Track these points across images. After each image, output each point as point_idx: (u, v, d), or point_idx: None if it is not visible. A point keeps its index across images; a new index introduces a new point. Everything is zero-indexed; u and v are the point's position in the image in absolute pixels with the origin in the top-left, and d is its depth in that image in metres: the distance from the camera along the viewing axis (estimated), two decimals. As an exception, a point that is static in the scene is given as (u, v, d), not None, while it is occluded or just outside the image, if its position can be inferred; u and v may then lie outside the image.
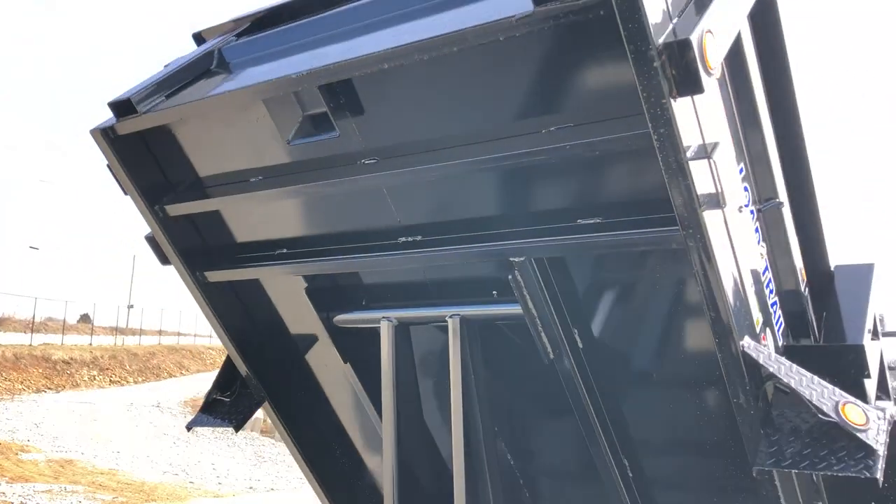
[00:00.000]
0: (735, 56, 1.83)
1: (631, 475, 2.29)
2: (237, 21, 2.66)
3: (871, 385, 2.18)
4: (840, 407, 1.72)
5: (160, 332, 48.40)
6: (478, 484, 2.27)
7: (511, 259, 1.94)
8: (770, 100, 2.01)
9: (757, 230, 1.95)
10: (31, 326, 39.01)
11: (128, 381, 36.05)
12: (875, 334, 2.33)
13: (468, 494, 2.21)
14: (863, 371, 2.04)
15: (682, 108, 1.55)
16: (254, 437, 25.20)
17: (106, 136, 2.32)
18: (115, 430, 27.02)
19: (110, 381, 35.22)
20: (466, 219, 2.06)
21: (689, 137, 1.58)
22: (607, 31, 1.50)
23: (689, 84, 1.49)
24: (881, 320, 2.35)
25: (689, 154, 1.57)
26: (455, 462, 2.21)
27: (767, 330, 1.96)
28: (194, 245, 2.54)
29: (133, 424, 28.19)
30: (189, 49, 2.78)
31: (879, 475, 1.65)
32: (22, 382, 31.38)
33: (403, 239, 2.19)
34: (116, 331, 45.19)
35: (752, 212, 1.93)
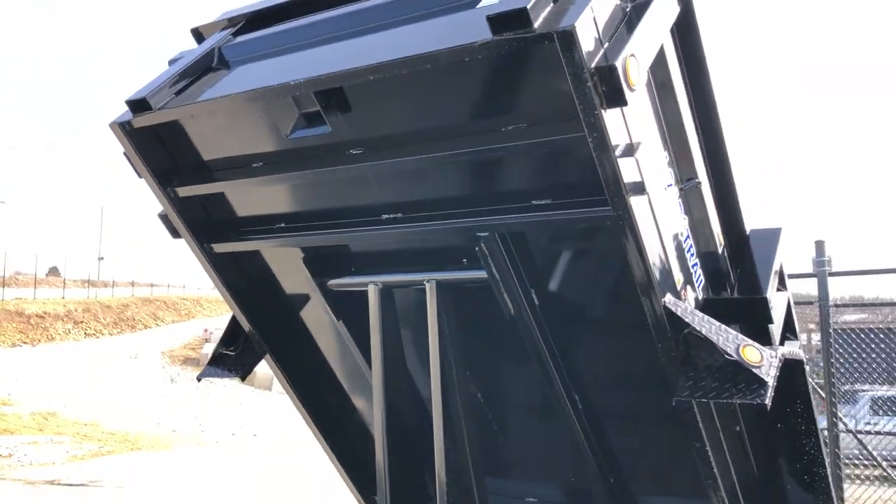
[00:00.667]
0: (659, 63, 2.22)
1: (581, 408, 2.74)
2: (231, 20, 2.98)
3: (777, 329, 2.64)
4: (741, 349, 2.17)
5: (133, 284, 48.28)
6: (453, 420, 2.71)
7: (477, 234, 2.35)
8: (691, 97, 2.41)
9: (680, 205, 2.37)
10: (2, 281, 38.84)
11: (103, 334, 36.27)
12: (782, 285, 2.79)
13: (445, 430, 2.65)
14: (768, 318, 2.49)
15: (611, 115, 1.95)
16: (234, 386, 25.70)
17: (123, 129, 2.66)
18: (94, 382, 27.40)
19: (85, 333, 35.42)
20: (439, 199, 2.45)
21: (618, 138, 1.98)
22: (552, 55, 1.88)
23: (615, 99, 1.88)
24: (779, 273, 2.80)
25: (617, 152, 1.97)
26: (434, 402, 2.64)
27: (688, 287, 2.39)
28: (202, 221, 2.91)
29: (112, 376, 28.57)
30: (187, 45, 3.10)
31: (768, 401, 2.10)
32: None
33: (386, 216, 2.58)
34: (88, 283, 45.07)
35: (673, 191, 2.34)
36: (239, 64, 2.80)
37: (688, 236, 2.42)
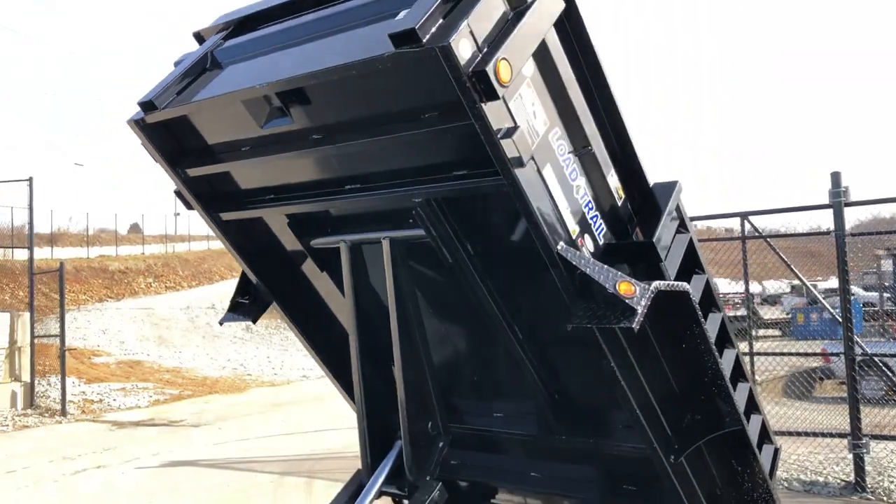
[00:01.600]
0: (543, 54, 2.72)
1: (521, 337, 3.32)
2: (224, 24, 3.57)
3: (672, 266, 3.15)
4: (617, 284, 2.70)
5: (208, 238, 50.10)
6: (414, 350, 3.33)
7: (413, 200, 2.93)
8: (582, 77, 2.90)
9: (574, 170, 2.88)
10: (87, 240, 41.02)
11: (182, 286, 38.19)
12: (683, 228, 3.28)
13: (406, 360, 3.27)
14: (657, 258, 3.01)
15: (493, 106, 2.48)
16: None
17: (137, 124, 3.31)
18: (175, 331, 29.11)
19: (165, 286, 37.38)
20: (384, 172, 3.03)
21: (500, 122, 2.51)
22: (439, 63, 2.42)
23: (490, 95, 2.41)
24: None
25: (500, 134, 2.50)
26: (394, 339, 3.27)
27: (586, 235, 2.92)
28: (209, 194, 3.55)
29: (192, 326, 30.27)
30: (191, 46, 3.71)
31: (635, 325, 2.63)
32: (85, 293, 33.55)
33: (348, 186, 3.17)
34: (166, 239, 47.12)
35: (567, 158, 2.86)
36: (228, 65, 3.40)
37: (585, 193, 2.93)
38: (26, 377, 14.95)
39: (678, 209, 3.26)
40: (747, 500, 3.71)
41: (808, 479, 8.54)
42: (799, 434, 9.18)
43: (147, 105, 3.23)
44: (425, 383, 3.37)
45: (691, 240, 3.32)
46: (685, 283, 3.01)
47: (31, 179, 15.15)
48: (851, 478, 8.32)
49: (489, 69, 2.40)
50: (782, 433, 9.22)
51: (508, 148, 2.53)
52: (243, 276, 3.88)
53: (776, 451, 3.98)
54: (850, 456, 8.40)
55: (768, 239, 9.09)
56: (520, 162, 2.56)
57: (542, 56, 2.73)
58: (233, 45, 3.44)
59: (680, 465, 3.39)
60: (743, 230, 9.07)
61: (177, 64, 3.53)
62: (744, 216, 9.05)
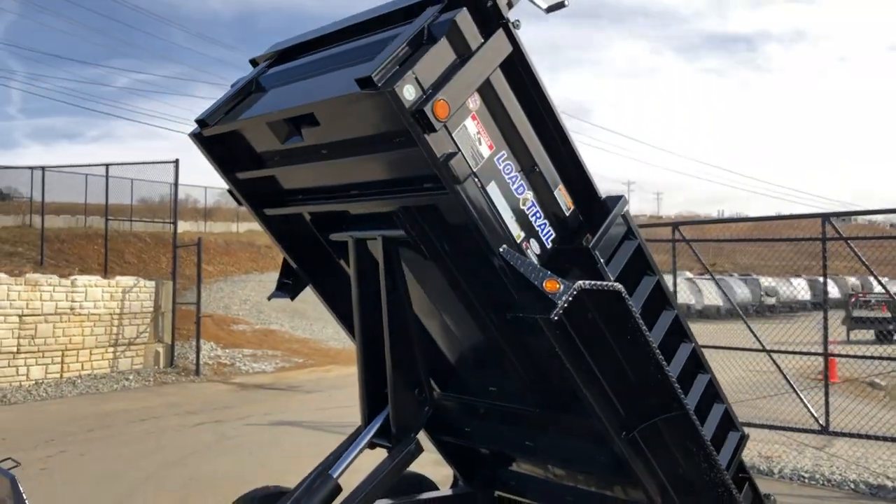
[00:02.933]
0: (488, 90, 3.30)
1: (495, 322, 3.92)
2: (273, 53, 4.34)
3: (616, 267, 3.65)
4: (545, 281, 3.26)
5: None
6: (400, 331, 4.00)
7: (396, 207, 3.60)
8: (528, 108, 3.45)
9: (521, 186, 3.44)
10: (237, 216, 44.00)
11: (321, 262, 40.27)
12: (631, 235, 3.76)
13: (395, 343, 3.95)
14: (592, 262, 3.53)
15: (435, 136, 3.10)
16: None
17: (196, 137, 4.14)
18: (310, 305, 30.93)
19: (306, 262, 39.54)
20: (376, 182, 3.71)
21: (442, 149, 3.13)
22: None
23: (429, 128, 3.04)
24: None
25: (442, 159, 3.12)
26: (384, 323, 3.95)
27: (532, 240, 3.48)
28: (255, 193, 4.34)
29: (325, 300, 31.97)
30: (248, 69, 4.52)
31: (554, 317, 3.18)
32: (233, 265, 36.24)
33: (353, 192, 3.88)
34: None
35: (514, 176, 3.43)
36: (269, 89, 4.17)
37: (533, 204, 3.49)
38: (168, 339, 16.75)
39: (625, 219, 3.75)
40: (706, 479, 4.15)
41: (875, 482, 8.57)
42: (868, 437, 9.19)
43: (201, 122, 4.06)
44: (413, 357, 4.03)
45: (639, 245, 3.80)
46: (617, 284, 3.51)
47: (177, 161, 16.92)
48: (920, 485, 8.31)
49: (427, 109, 3.02)
50: (853, 435, 9.27)
51: (456, 167, 3.14)
52: (285, 262, 4.67)
53: (742, 438, 4.37)
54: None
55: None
56: (458, 180, 3.17)
57: (487, 92, 3.32)
58: (273, 73, 4.21)
59: (633, 440, 3.90)
60: (823, 231, 9.12)
61: (233, 86, 4.34)
62: (825, 217, 9.09)
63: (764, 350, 9.83)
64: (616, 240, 3.74)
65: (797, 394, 9.53)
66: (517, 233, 3.44)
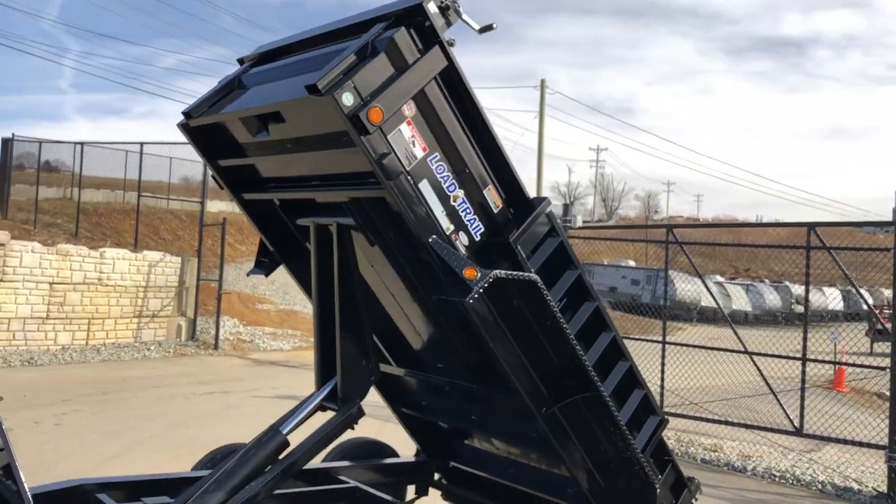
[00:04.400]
0: (422, 99, 3.76)
1: (434, 303, 4.40)
2: (257, 55, 4.84)
3: (535, 262, 4.09)
4: (464, 269, 3.72)
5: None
6: (350, 307, 4.49)
7: (346, 198, 4.09)
8: (459, 115, 3.91)
9: (452, 184, 3.90)
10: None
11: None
12: (553, 233, 4.20)
13: (344, 320, 4.44)
14: (512, 255, 3.97)
15: (371, 138, 3.57)
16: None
17: (183, 126, 4.67)
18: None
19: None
20: (331, 175, 4.20)
21: (378, 149, 3.60)
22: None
23: (363, 131, 3.51)
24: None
25: (376, 158, 3.59)
26: (336, 301, 4.45)
27: (461, 233, 3.93)
28: (236, 180, 4.85)
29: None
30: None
31: (470, 300, 3.65)
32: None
33: (314, 182, 4.38)
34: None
35: (446, 176, 3.89)
36: (250, 87, 4.68)
37: (463, 201, 3.94)
38: (191, 314, 17.49)
39: (548, 218, 4.20)
40: (623, 457, 4.58)
41: (842, 484, 8.88)
42: (838, 441, 9.49)
43: (187, 114, 4.58)
44: (360, 332, 4.52)
45: (561, 242, 4.24)
46: (532, 275, 3.96)
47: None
48: (884, 489, 8.60)
49: (362, 114, 3.50)
50: (823, 438, 9.57)
51: (389, 166, 3.62)
52: (262, 242, 5.19)
53: (661, 422, 4.78)
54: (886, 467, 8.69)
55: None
56: (390, 177, 3.64)
57: (422, 101, 3.78)
58: (254, 73, 4.72)
59: (553, 416, 4.35)
60: (808, 240, 9.42)
61: (219, 82, 4.86)
62: (810, 227, 9.40)
63: (746, 352, 10.15)
64: (539, 236, 4.18)
65: (775, 396, 9.85)
66: (447, 226, 3.90)
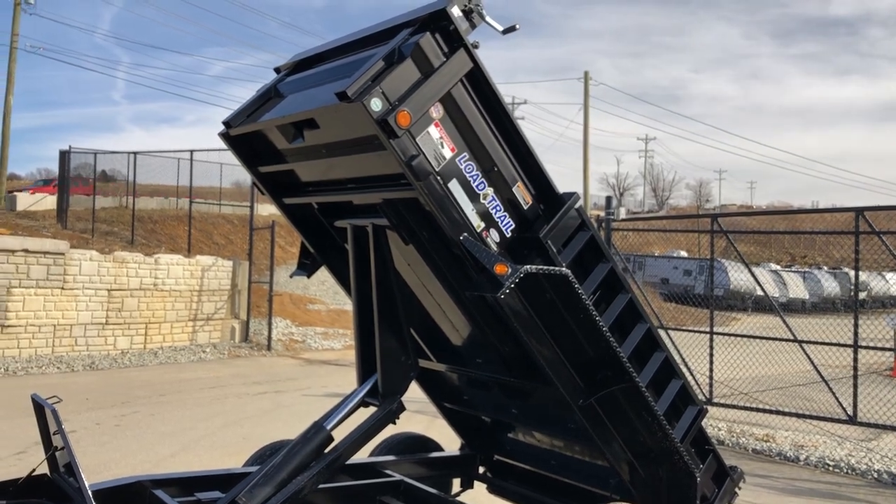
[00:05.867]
0: (449, 101, 3.85)
1: (469, 301, 4.50)
2: (293, 63, 4.99)
3: (568, 256, 4.16)
4: (495, 265, 3.81)
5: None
6: (388, 306, 4.60)
7: (380, 199, 4.21)
8: (487, 116, 3.99)
9: (482, 183, 3.99)
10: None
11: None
12: (584, 228, 4.25)
13: (382, 318, 4.57)
14: (543, 250, 4.04)
15: (400, 142, 3.68)
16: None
17: (224, 136, 4.84)
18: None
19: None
20: (365, 177, 4.32)
21: (408, 151, 3.71)
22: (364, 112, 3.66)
23: (392, 135, 3.63)
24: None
25: (406, 160, 3.70)
26: (374, 300, 4.57)
27: (492, 230, 4.02)
28: (276, 185, 5.02)
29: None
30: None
31: (501, 295, 3.74)
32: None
33: (350, 185, 4.51)
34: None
35: (475, 175, 3.98)
36: (287, 95, 4.83)
37: (493, 198, 4.03)
38: (244, 316, 17.88)
39: (578, 213, 4.25)
40: (662, 447, 4.62)
41: (900, 472, 8.72)
42: (894, 429, 9.32)
43: (227, 123, 4.76)
44: (399, 329, 4.63)
45: (592, 236, 4.30)
46: (564, 269, 4.03)
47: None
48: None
49: (390, 118, 3.61)
50: (878, 426, 9.41)
51: (414, 168, 3.73)
52: (303, 244, 5.34)
53: (700, 411, 4.80)
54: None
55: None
56: (420, 178, 3.75)
57: (449, 103, 3.88)
58: (290, 81, 4.87)
59: (590, 407, 4.41)
60: (857, 225, 9.26)
61: (258, 91, 5.03)
62: (858, 211, 9.24)
63: (795, 340, 10.02)
64: (569, 231, 4.24)
65: (826, 383, 9.70)
66: (477, 223, 3.99)
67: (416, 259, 4.66)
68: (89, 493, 3.53)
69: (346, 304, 28.22)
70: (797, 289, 42.74)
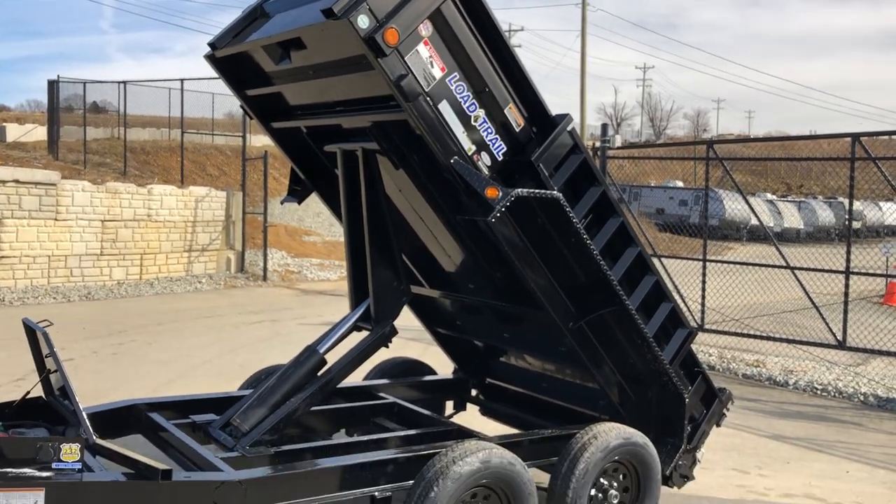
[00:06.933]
0: (438, 19, 3.74)
1: (461, 225, 4.48)
2: None
3: (559, 178, 4.12)
4: (486, 189, 3.78)
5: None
6: (379, 229, 4.58)
7: (369, 122, 4.14)
8: (478, 34, 3.89)
9: (473, 104, 3.91)
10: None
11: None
12: (576, 150, 4.20)
13: (371, 235, 4.54)
14: (535, 173, 3.99)
15: (388, 60, 3.59)
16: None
17: (209, 58, 4.73)
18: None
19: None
20: (354, 99, 4.24)
21: (396, 71, 3.63)
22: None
23: (379, 53, 3.54)
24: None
25: (394, 79, 3.62)
26: (364, 219, 4.54)
27: (483, 153, 3.96)
28: (264, 109, 4.93)
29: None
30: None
31: (492, 219, 3.72)
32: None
33: (338, 108, 4.43)
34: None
35: (466, 96, 3.90)
36: (273, 15, 4.70)
37: (484, 121, 3.96)
38: (238, 247, 17.89)
39: (571, 135, 4.20)
40: (651, 369, 4.67)
41: (885, 395, 8.87)
42: (882, 353, 9.45)
43: (212, 45, 4.65)
44: (390, 254, 4.62)
45: (584, 159, 4.25)
46: (555, 193, 4.00)
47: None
48: (928, 400, 8.58)
49: (377, 36, 3.52)
50: (866, 350, 9.53)
51: (403, 88, 3.66)
52: (293, 171, 5.29)
53: (689, 334, 4.83)
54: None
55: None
56: (409, 99, 3.68)
57: (439, 20, 3.77)
58: (276, 0, 4.74)
59: (580, 330, 4.44)
60: (853, 151, 9.20)
61: (243, 11, 4.89)
62: (854, 137, 9.16)
63: (787, 267, 10.07)
64: (562, 154, 4.19)
65: (817, 309, 9.78)
66: (468, 146, 3.93)
67: (407, 184, 4.62)
68: (84, 414, 3.56)
69: (342, 236, 28.14)
70: (792, 218, 42.79)
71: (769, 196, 47.35)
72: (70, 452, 3.23)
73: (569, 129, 4.18)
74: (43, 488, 3.10)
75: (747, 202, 11.21)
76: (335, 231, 28.41)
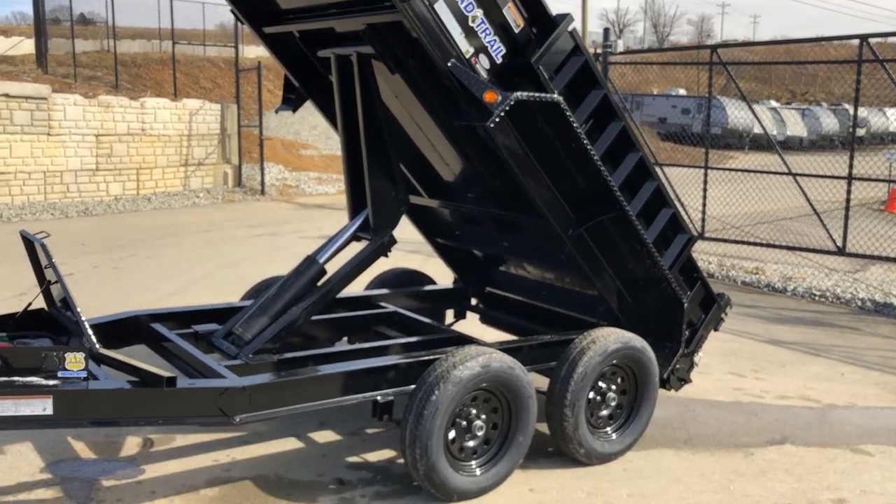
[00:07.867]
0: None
1: (458, 132, 4.40)
2: None
3: (560, 81, 4.02)
4: (485, 93, 3.68)
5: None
6: (375, 137, 4.49)
7: (363, 25, 4.01)
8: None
9: (470, 4, 3.76)
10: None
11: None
12: (577, 52, 4.08)
13: (371, 148, 4.46)
14: (535, 76, 3.89)
15: None
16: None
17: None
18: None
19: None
20: (345, 2, 4.10)
21: None
22: None
23: None
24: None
25: None
26: (360, 127, 4.45)
27: (481, 55, 3.84)
28: (255, 14, 4.77)
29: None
30: None
31: (490, 123, 3.65)
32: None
33: (332, 10, 4.28)
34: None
35: (462, -2, 3.76)
36: None
37: (482, 21, 3.82)
38: (235, 161, 17.75)
39: (572, 36, 4.07)
40: (650, 275, 4.67)
41: (883, 300, 8.93)
42: (881, 259, 9.47)
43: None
44: (388, 163, 4.56)
45: (585, 61, 4.14)
46: (555, 96, 3.91)
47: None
48: (925, 302, 8.64)
49: None
50: (866, 256, 9.55)
51: None
52: (286, 78, 5.17)
53: (689, 239, 4.81)
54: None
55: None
56: (403, -2, 3.55)
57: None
58: None
59: (580, 237, 4.42)
60: (860, 53, 9.00)
61: None
62: (862, 38, 8.95)
63: (789, 174, 10.00)
64: (562, 56, 4.07)
65: (818, 215, 9.76)
66: (466, 48, 3.82)
67: (404, 90, 4.51)
68: (86, 324, 3.57)
69: (339, 150, 27.88)
70: (796, 126, 42.32)
71: (773, 103, 46.70)
72: (75, 361, 3.26)
73: (569, 29, 4.05)
74: (51, 395, 3.14)
75: (751, 108, 11.03)
76: (332, 144, 28.12)
